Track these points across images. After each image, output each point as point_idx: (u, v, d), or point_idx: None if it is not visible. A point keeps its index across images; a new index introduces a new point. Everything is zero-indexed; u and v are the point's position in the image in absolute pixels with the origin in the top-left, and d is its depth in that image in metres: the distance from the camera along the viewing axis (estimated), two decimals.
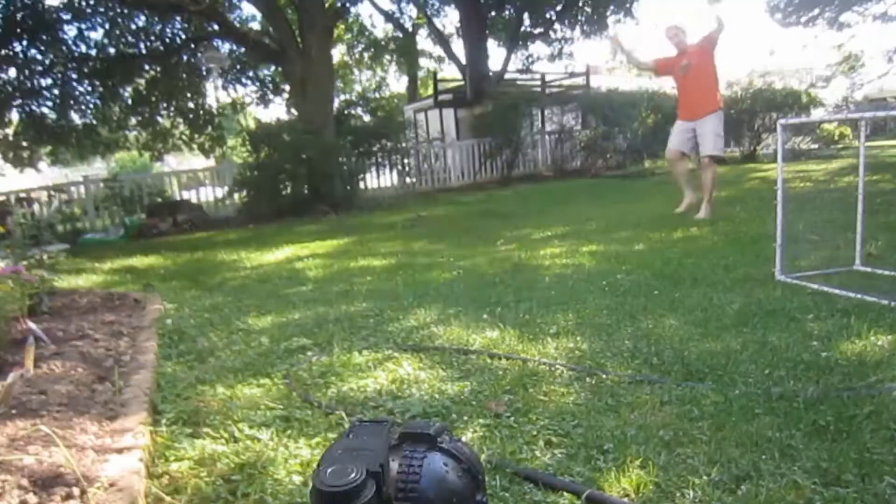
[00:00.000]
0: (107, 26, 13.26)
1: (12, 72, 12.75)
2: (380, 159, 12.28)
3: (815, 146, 13.96)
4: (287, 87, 14.47)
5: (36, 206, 9.65)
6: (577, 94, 15.36)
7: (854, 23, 16.55)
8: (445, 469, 0.83)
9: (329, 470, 0.64)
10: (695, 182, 6.21)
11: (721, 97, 5.94)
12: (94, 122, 14.27)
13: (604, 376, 2.12)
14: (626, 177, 12.12)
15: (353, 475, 0.63)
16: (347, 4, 15.08)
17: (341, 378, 2.26)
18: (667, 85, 17.22)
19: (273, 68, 15.36)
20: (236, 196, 10.76)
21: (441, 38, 18.15)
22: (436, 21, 18.56)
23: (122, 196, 10.28)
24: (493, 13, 16.44)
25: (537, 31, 17.03)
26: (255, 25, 15.34)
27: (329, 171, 9.87)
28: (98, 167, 25.49)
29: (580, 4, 16.05)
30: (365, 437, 0.76)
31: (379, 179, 12.64)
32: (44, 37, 12.35)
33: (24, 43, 12.36)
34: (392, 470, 0.84)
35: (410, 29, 21.05)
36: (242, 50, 14.45)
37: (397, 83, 25.84)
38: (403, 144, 12.77)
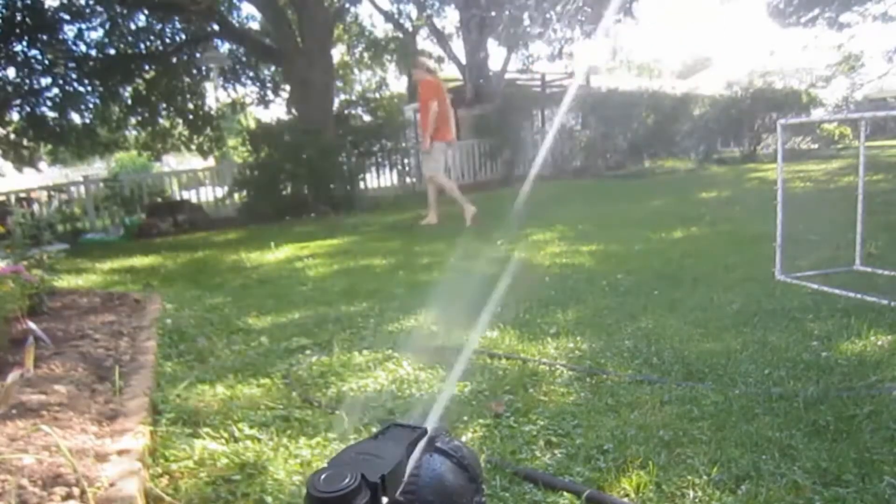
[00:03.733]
0: (107, 26, 13.26)
1: (12, 72, 12.76)
2: (380, 159, 12.27)
3: (815, 146, 13.97)
4: (287, 87, 14.47)
5: (36, 206, 9.64)
6: (577, 94, 15.35)
7: (854, 23, 16.53)
8: (443, 470, 0.83)
9: (323, 476, 0.63)
10: (460, 197, 7.00)
11: (430, 136, 6.81)
12: (94, 122, 14.26)
13: (604, 376, 2.12)
14: (626, 177, 12.12)
15: (346, 481, 0.62)
16: (347, 4, 15.09)
17: (341, 378, 2.26)
18: (666, 85, 17.23)
19: (273, 68, 15.36)
20: (236, 196, 10.75)
21: (441, 38, 18.12)
22: (436, 21, 18.54)
23: (122, 196, 10.27)
24: (493, 13, 16.41)
25: (537, 31, 17.01)
26: (255, 25, 15.34)
27: (329, 171, 9.86)
28: (98, 167, 25.46)
29: (580, 4, 16.03)
30: (390, 443, 0.75)
31: (379, 179, 12.63)
32: (44, 37, 12.35)
33: (24, 43, 12.36)
34: None
35: (410, 29, 21.03)
36: (242, 50, 14.45)
37: (397, 83, 25.81)
38: (403, 144, 12.77)
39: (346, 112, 13.18)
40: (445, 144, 7.10)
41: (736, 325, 2.59)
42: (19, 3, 11.71)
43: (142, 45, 13.88)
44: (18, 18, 11.80)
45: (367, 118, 12.28)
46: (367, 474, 0.65)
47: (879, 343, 2.27)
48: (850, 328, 2.44)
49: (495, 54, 17.80)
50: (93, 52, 13.41)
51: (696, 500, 1.38)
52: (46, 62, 12.85)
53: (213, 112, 15.31)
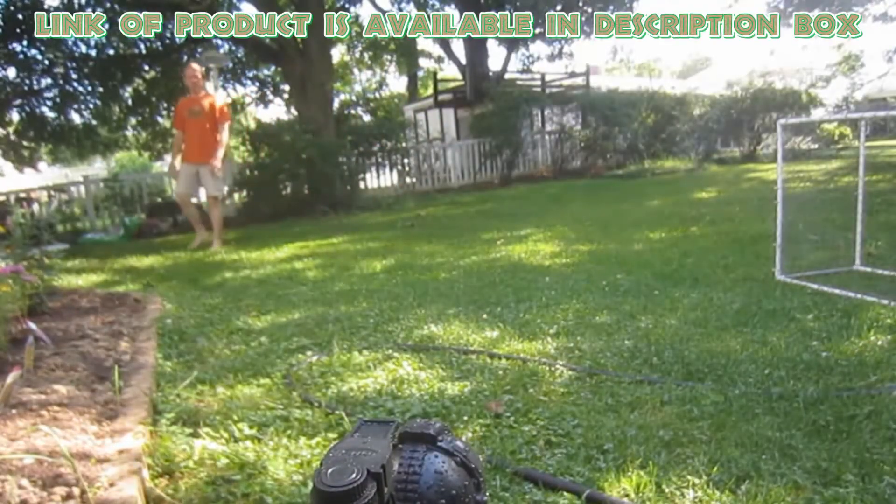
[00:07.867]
0: (107, 26, 13.26)
1: (12, 72, 12.75)
2: (380, 159, 12.27)
3: (815, 146, 13.97)
4: (287, 87, 14.48)
5: (36, 206, 9.64)
6: (577, 94, 15.35)
7: (854, 22, 16.51)
8: (445, 469, 0.83)
9: (330, 470, 0.64)
10: (207, 220, 7.02)
11: (220, 153, 6.61)
12: (94, 122, 14.27)
13: (604, 376, 2.12)
14: (626, 177, 12.12)
15: (353, 475, 0.63)
16: (347, 4, 15.10)
17: (341, 378, 2.26)
18: (666, 85, 17.22)
19: (273, 68, 15.36)
20: (236, 196, 10.76)
21: (441, 38, 18.12)
22: None
23: (122, 196, 10.27)
24: (494, 13, 16.41)
25: (537, 30, 17.02)
26: None
27: (329, 171, 9.86)
28: (98, 167, 25.48)
29: (580, 4, 16.04)
30: (369, 438, 0.76)
31: (379, 179, 12.62)
32: (44, 37, 12.35)
33: (25, 43, 12.35)
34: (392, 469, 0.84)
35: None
36: (242, 50, 14.45)
37: (397, 83, 25.82)
38: (403, 144, 12.76)
39: (346, 112, 13.14)
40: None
41: (736, 325, 2.59)
42: (19, 3, 11.70)
43: (142, 45, 13.88)
44: (19, 18, 11.79)
45: (367, 118, 12.24)
46: (367, 467, 0.65)
47: (879, 343, 2.27)
48: (850, 328, 2.44)
49: (495, 54, 17.82)
50: (93, 53, 13.41)
51: (696, 500, 1.38)
52: (46, 62, 12.84)
53: None
